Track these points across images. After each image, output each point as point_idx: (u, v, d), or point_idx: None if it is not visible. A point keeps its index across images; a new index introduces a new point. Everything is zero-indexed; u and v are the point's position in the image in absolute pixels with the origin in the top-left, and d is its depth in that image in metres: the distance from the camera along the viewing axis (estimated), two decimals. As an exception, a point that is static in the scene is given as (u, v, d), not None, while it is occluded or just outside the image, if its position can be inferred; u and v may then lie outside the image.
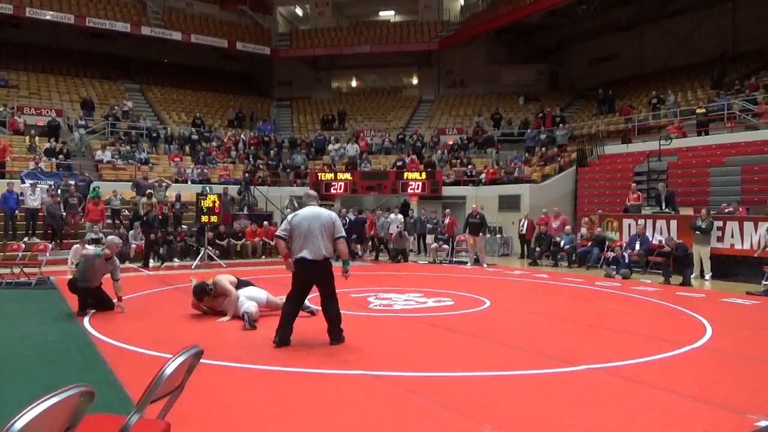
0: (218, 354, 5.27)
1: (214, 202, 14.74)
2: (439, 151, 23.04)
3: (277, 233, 6.08)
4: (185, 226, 16.24)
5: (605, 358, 5.35)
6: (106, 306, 7.52)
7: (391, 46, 29.41)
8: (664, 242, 12.60)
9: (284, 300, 6.07)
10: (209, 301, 7.33)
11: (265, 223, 17.34)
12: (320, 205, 6.19)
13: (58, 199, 15.02)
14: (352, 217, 16.87)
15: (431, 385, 4.55)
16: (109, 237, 7.82)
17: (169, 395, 2.61)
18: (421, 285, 10.77)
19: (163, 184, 17.63)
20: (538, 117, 24.10)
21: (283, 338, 5.74)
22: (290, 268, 5.86)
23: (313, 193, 6.38)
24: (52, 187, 16.14)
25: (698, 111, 18.44)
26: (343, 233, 6.05)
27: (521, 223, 17.03)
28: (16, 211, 14.88)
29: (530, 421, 3.73)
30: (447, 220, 16.97)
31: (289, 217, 6.03)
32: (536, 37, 29.16)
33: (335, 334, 5.88)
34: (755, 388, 4.50)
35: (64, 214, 15.12)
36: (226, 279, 7.36)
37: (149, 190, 16.17)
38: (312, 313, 7.24)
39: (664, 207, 13.86)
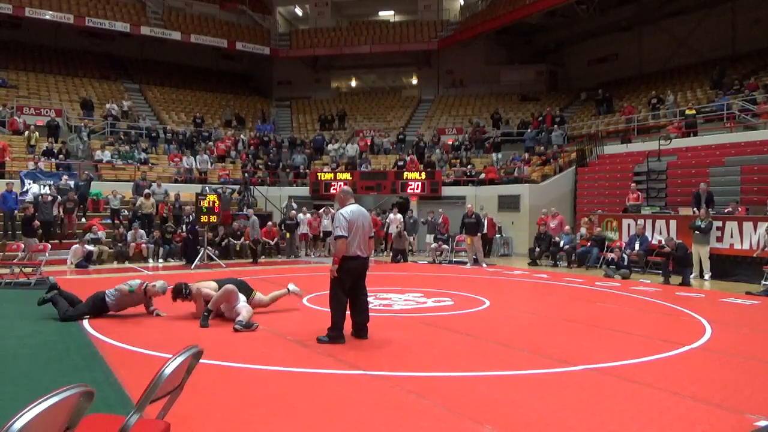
0: (218, 354, 5.26)
1: (213, 202, 14.75)
2: (438, 151, 23.01)
3: (339, 234, 5.80)
4: (185, 226, 16.23)
5: (605, 358, 5.35)
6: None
7: (390, 46, 29.41)
8: (663, 242, 12.60)
9: (332, 300, 5.99)
10: (194, 302, 7.33)
11: (270, 223, 17.32)
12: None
13: (48, 199, 14.91)
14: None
15: (431, 385, 4.55)
16: (160, 283, 7.53)
17: (168, 395, 2.61)
18: (421, 285, 10.77)
19: (162, 186, 17.69)
20: (536, 118, 24.09)
21: (340, 336, 5.90)
22: (334, 274, 5.87)
23: (350, 190, 6.43)
24: (52, 187, 16.13)
25: (688, 112, 18.45)
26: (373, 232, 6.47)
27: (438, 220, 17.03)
28: (16, 211, 14.85)
29: (530, 421, 3.72)
30: (440, 219, 16.92)
31: (345, 214, 5.90)
32: (535, 38, 29.17)
33: (366, 330, 6.12)
34: (755, 388, 4.50)
35: (62, 214, 15.11)
36: (205, 285, 7.32)
37: (147, 190, 16.20)
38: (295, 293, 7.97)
39: (703, 207, 12.84)
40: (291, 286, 8.00)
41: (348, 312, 6.05)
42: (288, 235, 17.05)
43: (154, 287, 7.27)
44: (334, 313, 5.95)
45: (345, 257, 5.85)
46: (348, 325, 6.04)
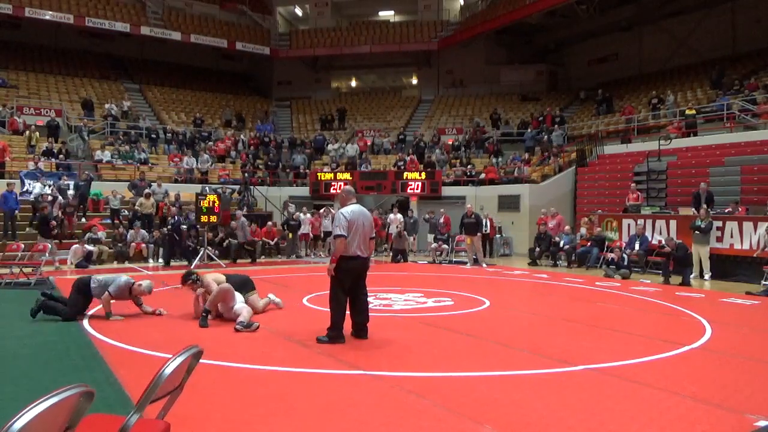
0: (218, 354, 5.26)
1: (213, 202, 14.75)
2: (438, 150, 22.99)
3: (338, 233, 5.80)
4: (185, 226, 16.21)
5: (605, 358, 5.35)
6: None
7: (390, 46, 29.41)
8: (664, 242, 12.59)
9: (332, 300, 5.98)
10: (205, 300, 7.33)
11: (270, 223, 17.33)
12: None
13: (48, 198, 14.92)
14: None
15: (431, 385, 4.55)
16: (146, 282, 7.58)
17: (168, 395, 2.61)
18: (421, 285, 10.77)
19: (162, 185, 17.69)
20: (535, 118, 24.08)
21: (340, 336, 5.89)
22: (332, 272, 5.88)
23: (353, 189, 6.40)
24: (53, 187, 16.14)
25: (688, 112, 18.45)
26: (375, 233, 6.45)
27: (439, 221, 16.96)
28: (17, 211, 14.86)
29: (530, 421, 3.72)
30: (442, 219, 16.95)
31: (346, 213, 5.89)
32: (535, 38, 29.17)
33: (366, 330, 6.09)
34: (755, 388, 4.50)
35: (61, 215, 15.12)
36: (213, 278, 7.37)
37: (147, 190, 16.20)
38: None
39: (704, 207, 12.71)
40: (272, 296, 8.02)
41: (348, 312, 6.05)
42: (290, 235, 17.09)
43: (140, 287, 7.25)
44: (333, 313, 5.95)
45: (344, 257, 5.84)
46: (348, 325, 6.04)
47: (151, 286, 7.39)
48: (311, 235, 17.65)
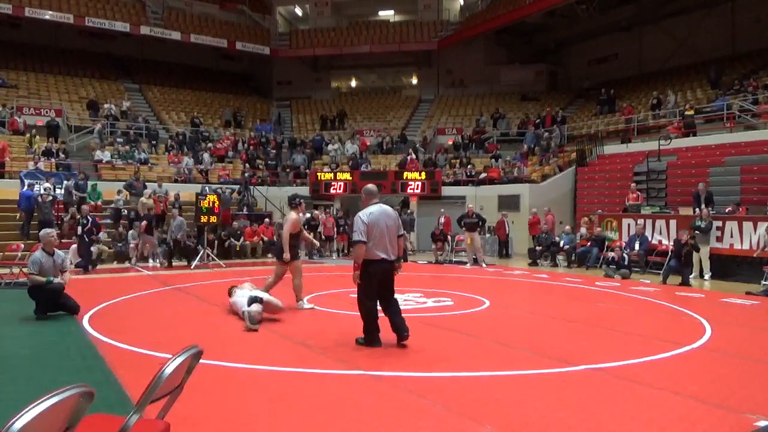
0: (218, 354, 5.26)
1: (213, 202, 14.75)
2: (424, 150, 22.98)
3: (356, 238, 5.53)
4: (80, 228, 15.99)
5: (605, 358, 5.35)
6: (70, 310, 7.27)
7: (390, 46, 29.41)
8: (678, 236, 12.39)
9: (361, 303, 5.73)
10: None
11: (267, 220, 17.37)
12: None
13: (48, 198, 14.91)
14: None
15: (431, 385, 4.55)
16: (42, 231, 7.54)
17: (168, 395, 2.61)
18: (421, 285, 10.77)
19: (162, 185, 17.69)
20: (533, 118, 24.07)
21: (376, 340, 5.67)
22: (357, 280, 5.65)
23: (375, 189, 6.02)
24: (51, 186, 16.13)
25: (687, 113, 18.44)
26: (403, 230, 6.00)
27: (439, 221, 17.00)
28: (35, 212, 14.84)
29: (530, 421, 3.72)
30: (442, 219, 16.94)
31: (363, 217, 5.60)
32: (535, 38, 29.16)
33: (406, 329, 5.69)
34: (755, 388, 4.49)
35: (61, 214, 15.12)
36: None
37: (146, 191, 16.19)
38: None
39: (704, 207, 12.73)
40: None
41: (383, 315, 5.79)
42: (312, 234, 17.21)
43: (46, 235, 7.30)
44: (363, 319, 5.77)
45: (369, 260, 5.60)
46: (388, 328, 5.80)
47: (49, 232, 7.42)
48: (323, 235, 17.73)
